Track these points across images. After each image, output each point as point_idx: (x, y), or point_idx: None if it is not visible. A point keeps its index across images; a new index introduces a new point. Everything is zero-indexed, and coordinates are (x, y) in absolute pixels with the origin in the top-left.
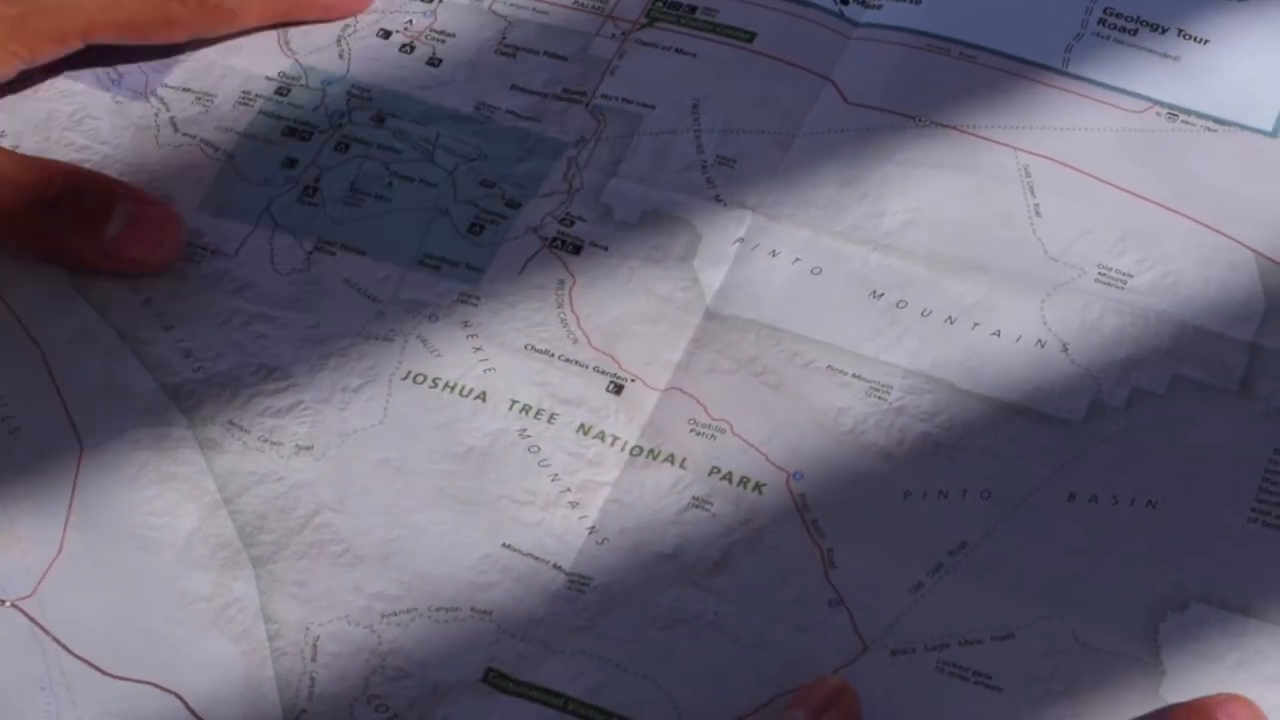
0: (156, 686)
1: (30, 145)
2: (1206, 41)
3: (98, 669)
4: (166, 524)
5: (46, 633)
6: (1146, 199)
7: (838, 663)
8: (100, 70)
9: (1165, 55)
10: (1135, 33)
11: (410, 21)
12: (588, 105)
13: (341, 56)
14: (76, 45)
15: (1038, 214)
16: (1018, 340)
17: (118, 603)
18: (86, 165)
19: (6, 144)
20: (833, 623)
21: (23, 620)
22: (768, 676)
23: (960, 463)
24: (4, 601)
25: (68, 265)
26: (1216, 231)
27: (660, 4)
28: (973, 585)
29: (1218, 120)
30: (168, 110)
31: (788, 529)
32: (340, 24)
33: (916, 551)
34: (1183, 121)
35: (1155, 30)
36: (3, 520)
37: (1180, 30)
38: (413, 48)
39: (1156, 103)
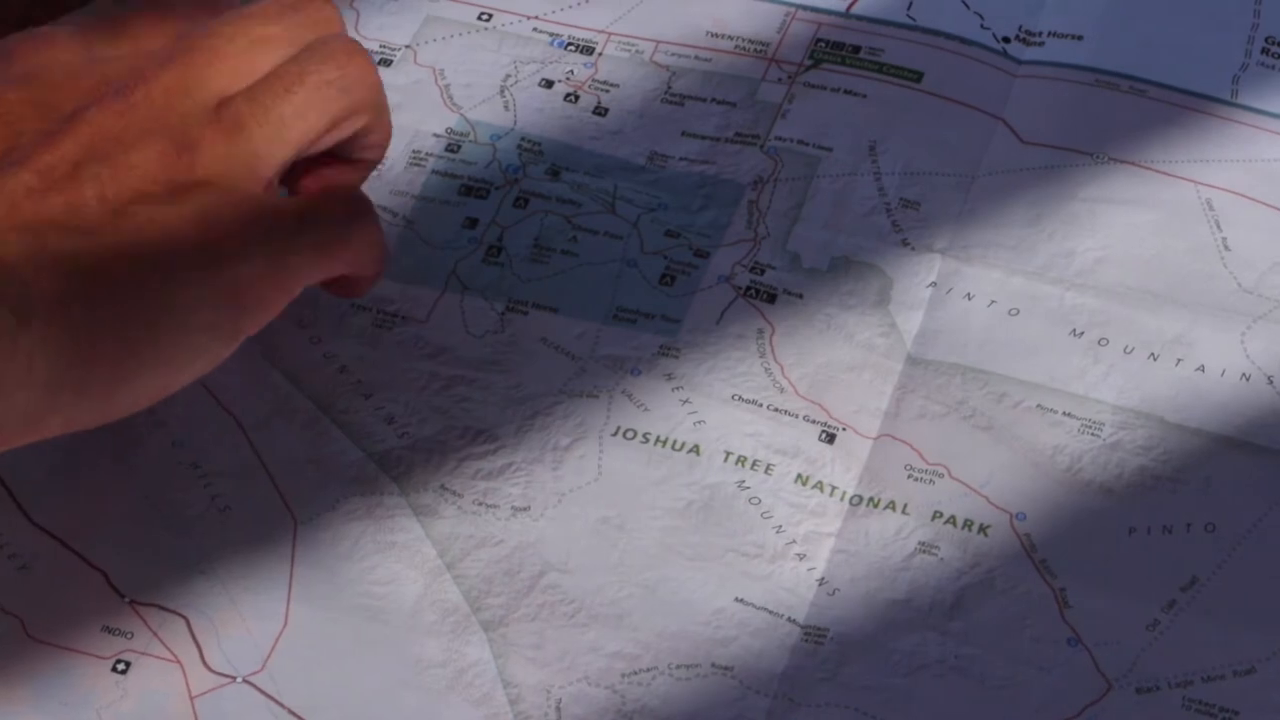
0: None
1: None
2: None
3: None
4: (390, 592)
5: (282, 705)
6: None
7: (1085, 701)
8: None
9: None
10: None
11: (571, 72)
12: (762, 147)
13: (507, 108)
14: None
15: (1226, 247)
16: (1222, 374)
17: (350, 673)
18: None
19: None
20: (1075, 662)
21: (257, 696)
22: (1017, 717)
23: (1181, 496)
24: (235, 678)
25: None
26: None
27: (823, 45)
28: (1209, 620)
29: None
30: None
31: (1018, 570)
32: (502, 74)
33: (1148, 588)
34: None
35: None
36: (224, 599)
37: None
38: (577, 97)
39: None
